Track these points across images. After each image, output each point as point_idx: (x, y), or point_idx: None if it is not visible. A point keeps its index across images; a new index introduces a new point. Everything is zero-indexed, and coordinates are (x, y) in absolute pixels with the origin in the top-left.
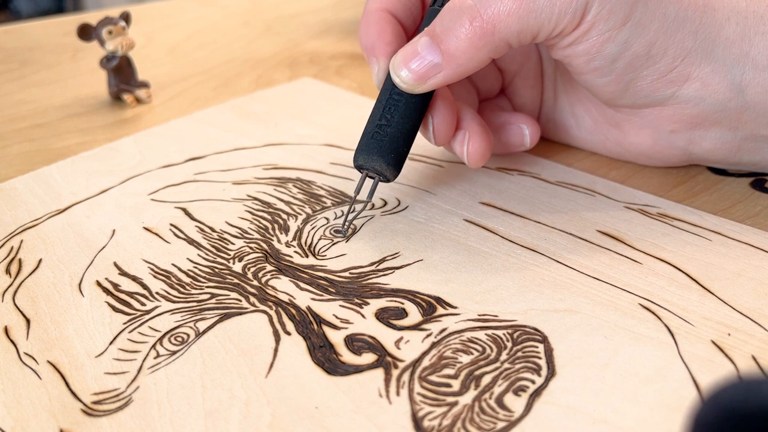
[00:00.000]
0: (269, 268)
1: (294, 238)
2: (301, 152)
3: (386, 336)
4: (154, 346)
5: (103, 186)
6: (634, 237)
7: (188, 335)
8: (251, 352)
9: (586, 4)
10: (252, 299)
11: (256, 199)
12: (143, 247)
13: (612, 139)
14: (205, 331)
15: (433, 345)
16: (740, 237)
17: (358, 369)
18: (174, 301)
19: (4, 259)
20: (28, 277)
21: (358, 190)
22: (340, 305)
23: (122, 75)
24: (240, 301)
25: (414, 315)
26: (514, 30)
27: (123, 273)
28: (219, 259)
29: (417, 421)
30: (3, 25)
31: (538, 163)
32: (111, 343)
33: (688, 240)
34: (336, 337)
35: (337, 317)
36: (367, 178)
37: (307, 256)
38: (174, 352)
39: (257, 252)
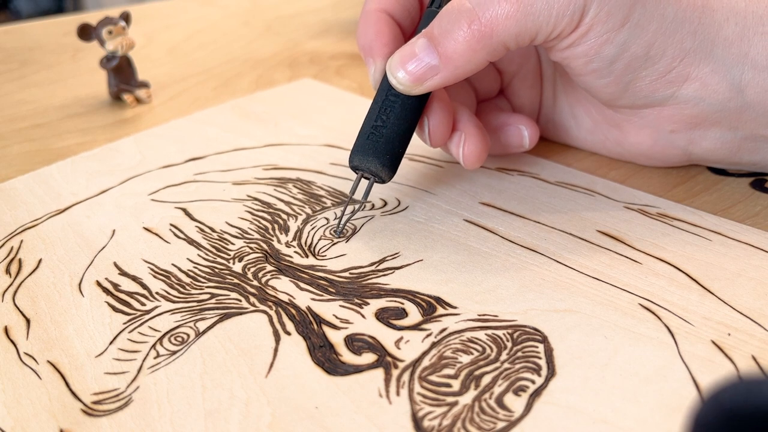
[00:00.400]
0: (269, 268)
1: (294, 239)
2: (301, 152)
3: (386, 336)
4: (154, 346)
5: (103, 186)
6: (634, 237)
7: (188, 335)
8: (251, 352)
9: (583, 6)
10: (252, 299)
11: (256, 199)
12: (143, 247)
13: (612, 139)
14: (205, 331)
15: (433, 345)
16: (740, 237)
17: (358, 369)
18: (174, 301)
19: (4, 259)
20: (28, 277)
21: (353, 191)
22: (340, 305)
23: (122, 75)
24: (240, 301)
25: (414, 315)
26: (512, 33)
27: (123, 273)
28: (219, 260)
29: (417, 421)
30: (3, 25)
31: (538, 164)
32: (111, 343)
33: (688, 240)
34: (336, 337)
35: (337, 317)
36: (363, 179)
37: (307, 257)
38: (174, 352)
39: (257, 252)
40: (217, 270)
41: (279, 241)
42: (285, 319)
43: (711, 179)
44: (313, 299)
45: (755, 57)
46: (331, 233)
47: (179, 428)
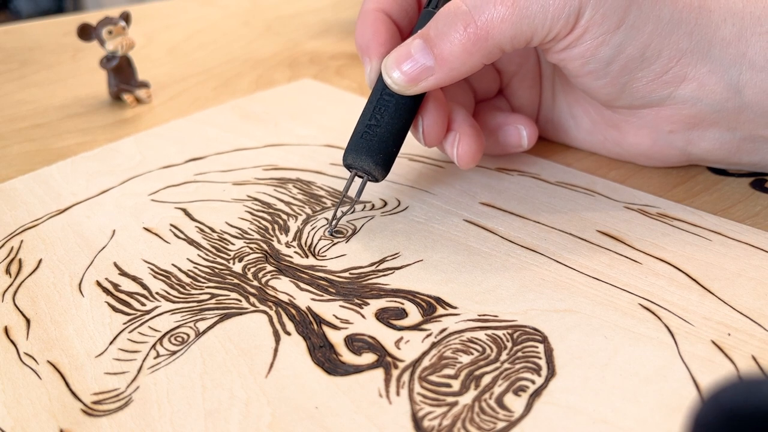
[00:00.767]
0: (269, 268)
1: (294, 239)
2: (301, 153)
3: (386, 336)
4: (154, 346)
5: (103, 186)
6: (634, 237)
7: (188, 335)
8: (251, 352)
9: (579, 8)
10: (252, 299)
11: (256, 199)
12: (143, 247)
13: (611, 139)
14: (205, 331)
15: (433, 345)
16: (740, 237)
17: (358, 369)
18: (174, 302)
19: (4, 259)
20: (28, 277)
21: (346, 189)
22: (340, 305)
23: (122, 75)
24: (240, 301)
25: (414, 315)
26: (507, 36)
27: (123, 273)
28: (219, 260)
29: (417, 421)
30: (3, 25)
31: (538, 164)
32: (111, 343)
33: (688, 240)
34: (336, 337)
35: (337, 317)
36: (358, 178)
37: (307, 257)
38: (174, 352)
39: (257, 252)
40: (217, 270)
41: (279, 242)
42: (285, 319)
43: (711, 179)
44: (313, 299)
45: (753, 57)
46: (327, 233)
47: (179, 428)
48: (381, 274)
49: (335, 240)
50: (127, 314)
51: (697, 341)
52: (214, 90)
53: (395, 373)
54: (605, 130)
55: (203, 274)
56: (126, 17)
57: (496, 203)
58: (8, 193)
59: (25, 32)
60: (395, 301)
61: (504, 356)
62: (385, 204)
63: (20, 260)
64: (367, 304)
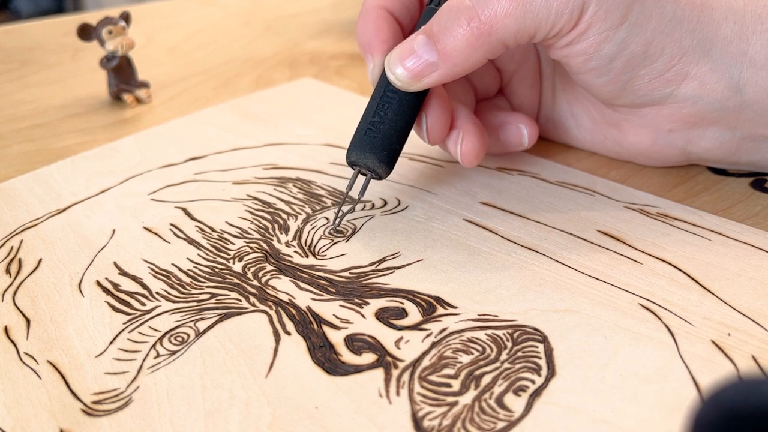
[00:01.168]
0: (269, 268)
1: (294, 238)
2: (301, 152)
3: (386, 336)
4: (154, 346)
5: (103, 186)
6: (634, 237)
7: (188, 335)
8: (251, 352)
9: (582, 4)
10: (252, 299)
11: (256, 199)
12: (143, 247)
13: (611, 138)
14: (205, 331)
15: (433, 345)
16: (740, 237)
17: (358, 369)
18: (174, 301)
19: (4, 259)
20: (28, 277)
21: (350, 186)
22: (340, 305)
23: (122, 75)
24: (240, 301)
25: (414, 315)
26: (511, 31)
27: (123, 273)
28: (219, 259)
29: (417, 421)
30: (3, 25)
31: (538, 163)
32: (111, 343)
33: (688, 240)
34: (336, 337)
35: (337, 317)
36: (361, 175)
37: (307, 256)
38: (174, 352)
39: (257, 252)
40: (217, 270)
41: (279, 241)
42: (285, 319)
43: (711, 179)
44: (313, 299)
45: (754, 55)
46: (331, 232)
47: (179, 428)
48: (381, 273)
49: (335, 239)
50: (127, 314)
51: (697, 341)
52: (214, 90)
53: (395, 372)
54: (605, 129)
55: (203, 274)
56: (126, 17)
57: (497, 203)
58: (8, 193)
59: (25, 32)
60: (395, 301)
61: (504, 356)
62: (385, 203)
63: (20, 260)
64: (367, 303)
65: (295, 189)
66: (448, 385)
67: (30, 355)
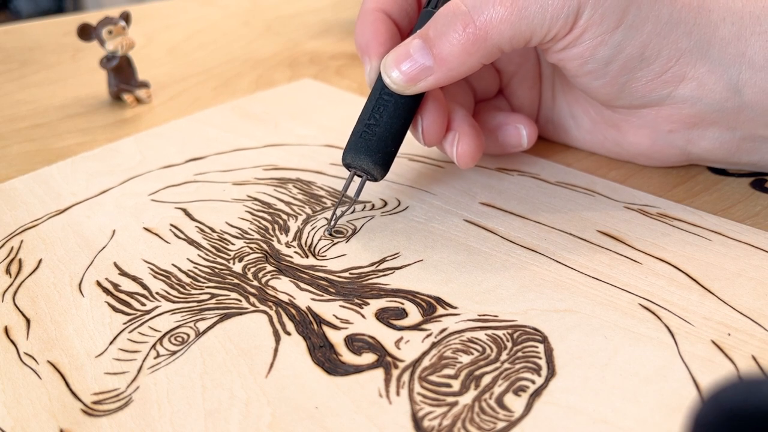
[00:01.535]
0: (269, 268)
1: (294, 239)
2: (301, 153)
3: (386, 336)
4: (154, 346)
5: (103, 186)
6: (634, 237)
7: (188, 335)
8: (251, 352)
9: (578, 8)
10: (252, 299)
11: (256, 199)
12: (143, 247)
13: (611, 139)
14: (205, 331)
15: (433, 345)
16: (740, 237)
17: (358, 369)
18: (174, 301)
19: (4, 259)
20: (28, 277)
21: (345, 188)
22: (340, 305)
23: (122, 75)
24: (240, 301)
25: (414, 315)
26: (506, 36)
27: (123, 273)
28: (219, 260)
29: (417, 421)
30: (3, 25)
31: (538, 164)
32: (111, 343)
33: (688, 240)
34: (336, 337)
35: (337, 317)
36: (357, 177)
37: (307, 257)
38: (174, 352)
39: (257, 252)
40: (217, 270)
41: (279, 242)
42: (285, 319)
43: (711, 179)
44: (313, 299)
45: (752, 57)
46: (326, 234)
47: (179, 428)
48: (381, 274)
49: (335, 240)
50: (127, 314)
51: (697, 341)
52: (214, 90)
53: (395, 373)
54: (605, 129)
55: (203, 274)
56: (126, 17)
57: (496, 203)
58: (8, 193)
59: (25, 32)
60: (395, 301)
61: (504, 356)
62: (385, 204)
63: (20, 260)
64: (367, 304)
65: (295, 190)
66: (448, 385)
67: (30, 355)
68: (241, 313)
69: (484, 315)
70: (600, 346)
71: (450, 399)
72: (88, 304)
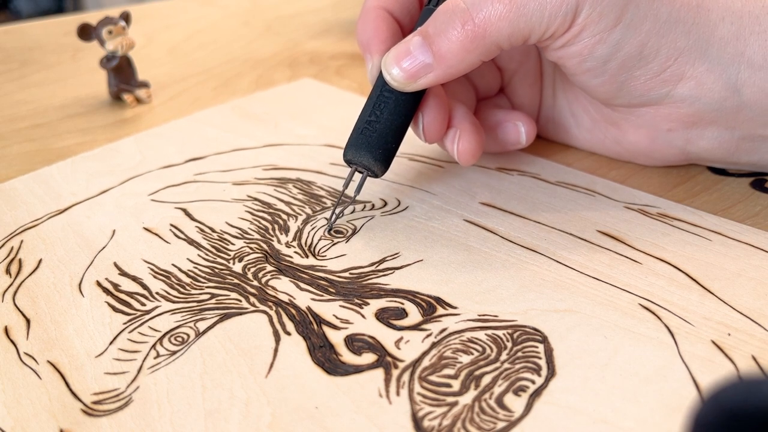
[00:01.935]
0: (269, 268)
1: (294, 239)
2: (301, 153)
3: (386, 336)
4: (154, 346)
5: (103, 186)
6: (634, 237)
7: (188, 335)
8: (251, 352)
9: (576, 6)
10: (252, 299)
11: (256, 199)
12: (143, 247)
13: (611, 137)
14: (205, 331)
15: (433, 345)
16: (740, 237)
17: (358, 369)
18: (174, 301)
19: (4, 259)
20: (28, 277)
21: (346, 184)
22: (340, 305)
23: (122, 75)
24: (240, 301)
25: (414, 315)
26: (504, 34)
27: (123, 273)
28: (219, 260)
29: (417, 421)
30: (3, 25)
31: (538, 163)
32: (111, 343)
33: (688, 240)
34: (336, 337)
35: (337, 317)
36: (357, 173)
37: (307, 257)
38: (174, 352)
39: (257, 252)
40: (217, 270)
41: (279, 242)
42: (285, 319)
43: (711, 179)
44: (313, 299)
45: (751, 56)
46: (326, 232)
47: (179, 428)
48: (381, 274)
49: (335, 240)
50: (127, 314)
51: (697, 341)
52: (214, 90)
53: (395, 373)
54: (605, 128)
55: (203, 274)
56: (126, 17)
57: (496, 203)
58: (8, 193)
59: (25, 32)
60: (395, 301)
61: (504, 356)
62: (385, 204)
63: (20, 260)
64: (367, 304)
65: (295, 189)
66: (448, 385)
67: (30, 355)
68: (241, 313)
69: (484, 315)
70: (600, 346)
71: (450, 399)
72: (88, 304)
